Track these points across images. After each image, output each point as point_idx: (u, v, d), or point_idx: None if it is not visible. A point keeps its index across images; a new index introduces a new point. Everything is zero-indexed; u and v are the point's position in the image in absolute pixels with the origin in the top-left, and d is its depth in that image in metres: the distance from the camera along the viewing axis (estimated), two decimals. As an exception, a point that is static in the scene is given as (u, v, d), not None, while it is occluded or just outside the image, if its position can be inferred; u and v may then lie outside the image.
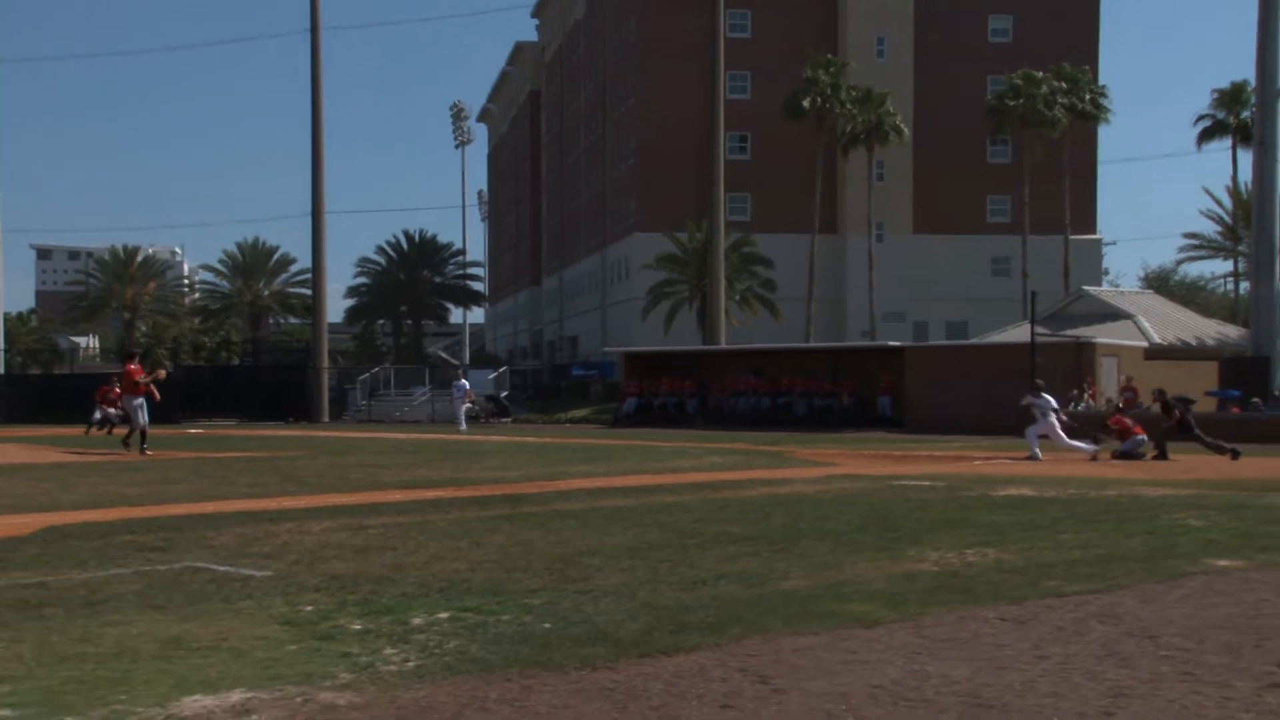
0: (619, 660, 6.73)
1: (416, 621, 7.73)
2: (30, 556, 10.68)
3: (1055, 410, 25.02)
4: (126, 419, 27.65)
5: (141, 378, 26.32)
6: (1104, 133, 72.38)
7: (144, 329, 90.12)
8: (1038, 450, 24.54)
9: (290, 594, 8.75)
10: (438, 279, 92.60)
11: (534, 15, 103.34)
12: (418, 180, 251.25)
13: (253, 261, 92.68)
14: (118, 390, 32.45)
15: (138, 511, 14.43)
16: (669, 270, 62.19)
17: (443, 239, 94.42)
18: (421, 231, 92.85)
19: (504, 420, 49.34)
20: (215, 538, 11.88)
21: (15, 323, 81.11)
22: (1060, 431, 24.89)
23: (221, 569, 9.91)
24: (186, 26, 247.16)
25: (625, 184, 74.78)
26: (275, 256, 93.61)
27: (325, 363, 51.73)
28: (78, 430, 35.70)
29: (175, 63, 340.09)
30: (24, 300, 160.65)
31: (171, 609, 8.18)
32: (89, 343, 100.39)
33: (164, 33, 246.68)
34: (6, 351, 55.25)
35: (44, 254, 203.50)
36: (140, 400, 25.95)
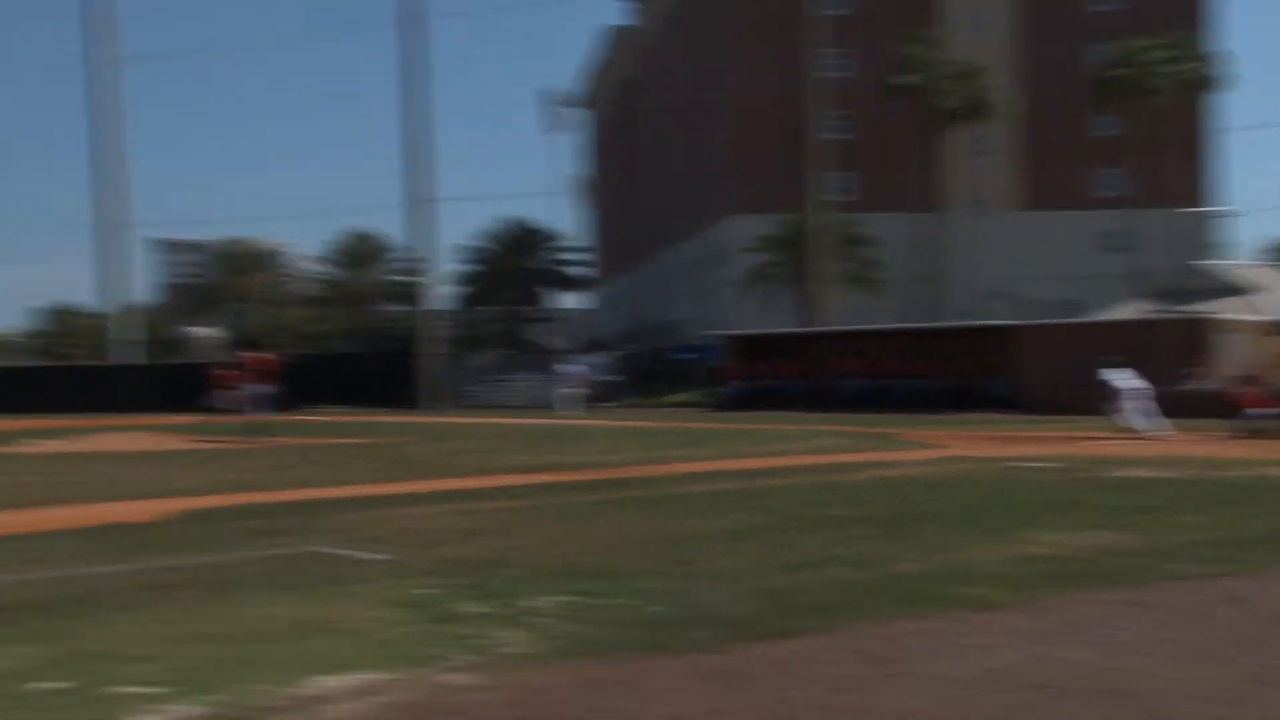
0: (729, 643, 6.76)
1: (529, 605, 7.83)
2: (164, 540, 11.01)
3: (1121, 389, 24.86)
4: (241, 405, 28.29)
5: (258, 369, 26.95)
6: (1220, 100, 70.01)
7: (256, 317, 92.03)
8: (1146, 428, 24.19)
9: (406, 578, 8.90)
10: (539, 265, 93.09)
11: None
12: (515, 167, 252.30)
13: (358, 251, 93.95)
14: (227, 373, 33.57)
15: (258, 497, 14.77)
16: (769, 252, 61.84)
17: (542, 225, 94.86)
18: (523, 218, 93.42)
19: (607, 405, 49.48)
20: (332, 522, 12.12)
21: (138, 314, 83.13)
22: (1128, 407, 24.78)
23: (341, 553, 10.12)
24: (288, 21, 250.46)
25: (723, 166, 74.40)
26: (379, 245, 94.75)
27: (430, 349, 52.27)
28: (199, 419, 36.53)
29: (273, 59, 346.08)
30: (148, 291, 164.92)
31: (296, 591, 8.38)
32: (207, 333, 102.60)
33: (267, 27, 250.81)
34: (126, 342, 56.61)
35: (166, 247, 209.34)
36: (266, 389, 26.54)
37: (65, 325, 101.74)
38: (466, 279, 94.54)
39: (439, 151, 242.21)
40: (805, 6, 53.47)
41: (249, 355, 27.61)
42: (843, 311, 57.14)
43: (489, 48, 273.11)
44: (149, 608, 7.87)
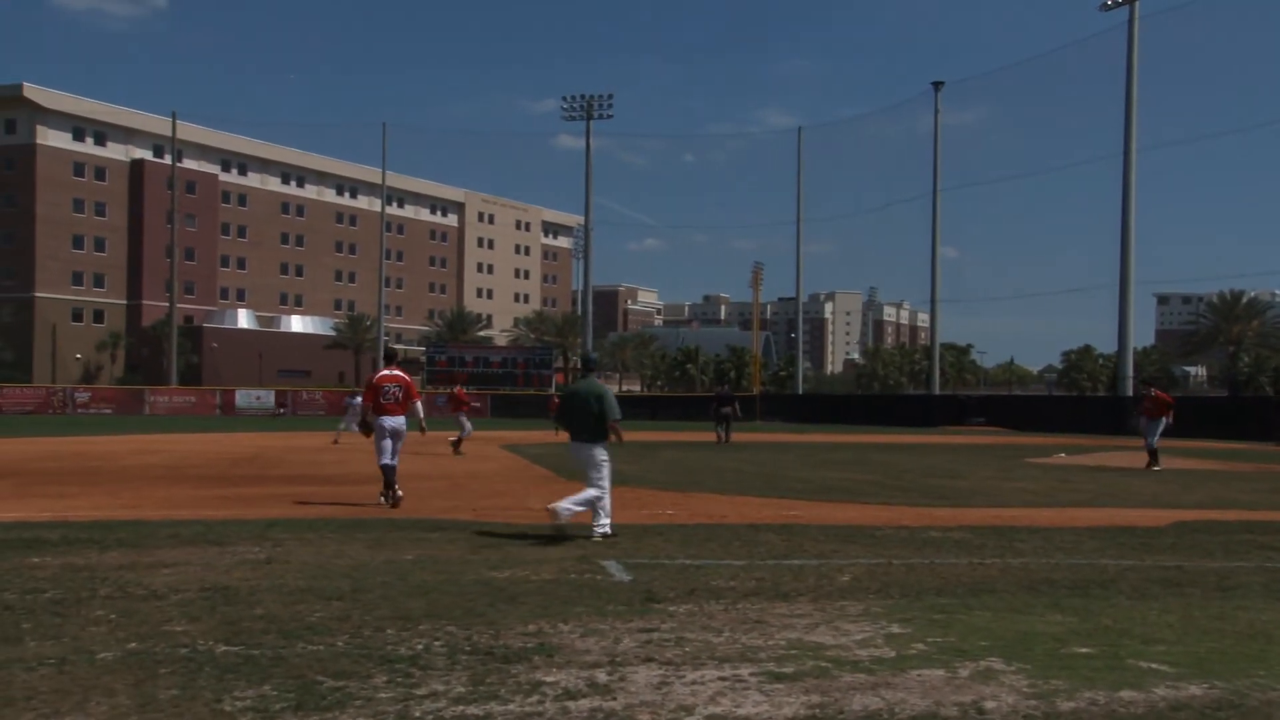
0: None
1: None
2: (1167, 544, 10.52)
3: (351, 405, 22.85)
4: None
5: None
6: None
7: (1246, 360, 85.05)
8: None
9: None
10: None
11: None
12: None
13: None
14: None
15: (1254, 515, 13.50)
16: None
17: None
18: None
19: None
20: (1329, 545, 10.68)
21: (1140, 355, 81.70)
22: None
23: (1339, 573, 8.86)
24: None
25: None
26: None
27: None
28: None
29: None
30: (1146, 338, 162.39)
31: (1295, 603, 7.51)
32: (1198, 372, 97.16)
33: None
34: (1133, 378, 55.47)
35: (1162, 300, 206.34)
36: (1161, 421, 23.53)
37: (1082, 364, 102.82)
38: None
39: None
40: None
41: (1157, 392, 24.39)
42: None
43: None
44: (1159, 599, 7.55)
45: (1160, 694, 5.07)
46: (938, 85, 64.47)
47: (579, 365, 11.50)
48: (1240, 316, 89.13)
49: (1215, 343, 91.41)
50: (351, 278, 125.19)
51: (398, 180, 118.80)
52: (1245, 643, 6.21)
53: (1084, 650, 5.92)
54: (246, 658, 5.53)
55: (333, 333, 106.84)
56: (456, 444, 25.68)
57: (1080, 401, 72.09)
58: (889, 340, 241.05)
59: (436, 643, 5.92)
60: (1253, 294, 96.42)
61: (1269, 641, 6.25)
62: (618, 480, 18.06)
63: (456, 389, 28.26)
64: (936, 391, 68.38)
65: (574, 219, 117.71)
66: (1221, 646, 6.10)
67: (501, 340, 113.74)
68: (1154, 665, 5.60)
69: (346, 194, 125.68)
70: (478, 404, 34.40)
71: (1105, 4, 52.31)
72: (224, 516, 11.74)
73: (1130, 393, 54.31)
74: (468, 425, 27.06)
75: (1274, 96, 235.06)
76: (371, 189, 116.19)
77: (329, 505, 13.18)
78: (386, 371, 13.27)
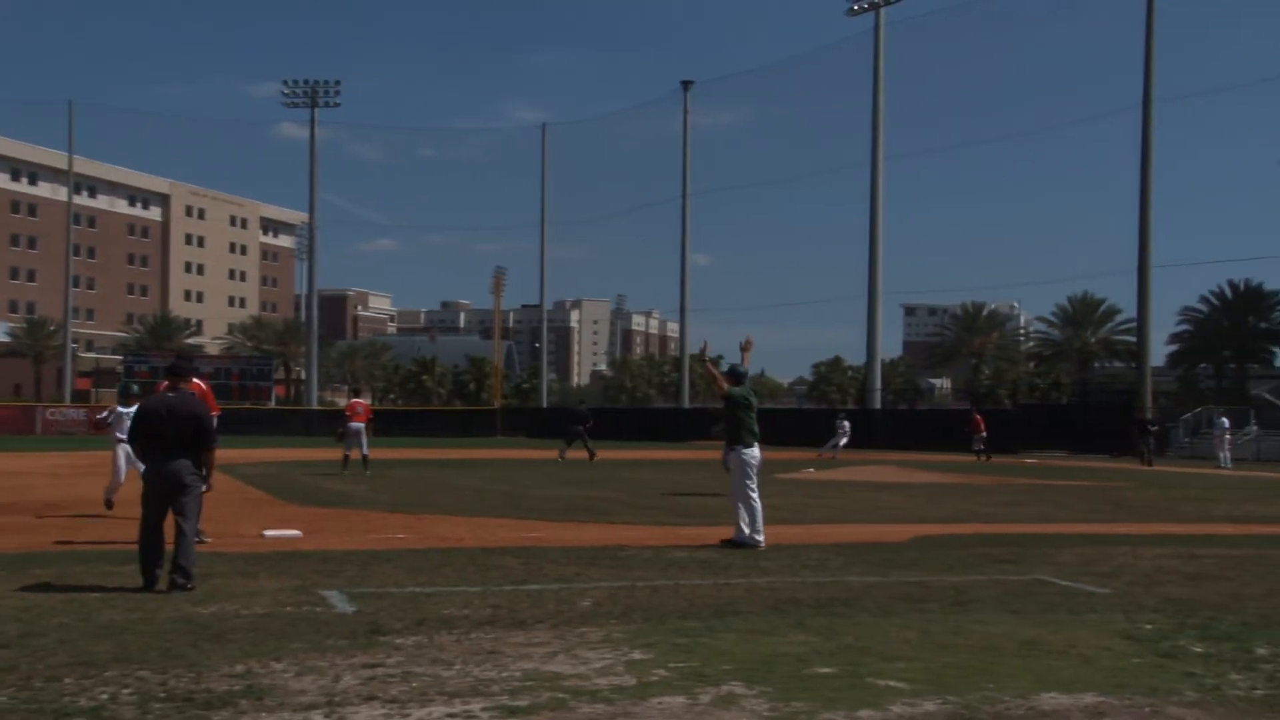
0: None
1: (1261, 651, 7.00)
2: (909, 559, 11.23)
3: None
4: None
5: None
6: None
7: (987, 372, 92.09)
8: None
9: (1130, 612, 8.35)
10: (1264, 325, 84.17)
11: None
12: (1248, 231, 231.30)
13: (1081, 313, 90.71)
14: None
15: (990, 528, 14.62)
16: None
17: (1270, 286, 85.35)
18: (1247, 280, 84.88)
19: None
20: (1057, 555, 11.69)
21: (887, 367, 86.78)
22: None
23: (1064, 584, 9.73)
24: (1026, 115, 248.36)
25: None
26: (1102, 308, 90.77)
27: (1148, 403, 49.09)
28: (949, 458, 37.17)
29: (1011, 147, 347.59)
30: (894, 349, 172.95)
31: (1025, 615, 8.16)
32: (943, 384, 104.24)
33: (1007, 122, 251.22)
34: (881, 390, 58.97)
35: (910, 311, 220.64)
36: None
37: (831, 376, 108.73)
38: (1186, 338, 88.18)
39: (1174, 221, 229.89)
40: None
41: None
42: None
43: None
44: (900, 615, 8.05)
45: (897, 711, 5.40)
46: (687, 84, 66.46)
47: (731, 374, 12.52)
48: (981, 328, 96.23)
49: (959, 354, 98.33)
50: (31, 276, 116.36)
51: (88, 166, 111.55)
52: (978, 656, 6.71)
53: (826, 670, 6.23)
54: (-116, 721, 5.03)
55: (7, 339, 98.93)
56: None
57: (831, 415, 75.89)
58: (638, 351, 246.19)
59: (125, 690, 5.58)
60: (993, 306, 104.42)
61: (998, 654, 6.77)
62: (342, 502, 17.66)
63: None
64: (686, 405, 70.33)
65: (297, 216, 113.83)
66: (956, 661, 6.56)
67: (214, 349, 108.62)
68: (892, 683, 5.96)
69: (24, 179, 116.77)
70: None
71: (852, 9, 55.41)
72: None
73: (878, 405, 57.67)
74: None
75: (1020, 108, 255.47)
76: (55, 175, 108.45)
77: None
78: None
